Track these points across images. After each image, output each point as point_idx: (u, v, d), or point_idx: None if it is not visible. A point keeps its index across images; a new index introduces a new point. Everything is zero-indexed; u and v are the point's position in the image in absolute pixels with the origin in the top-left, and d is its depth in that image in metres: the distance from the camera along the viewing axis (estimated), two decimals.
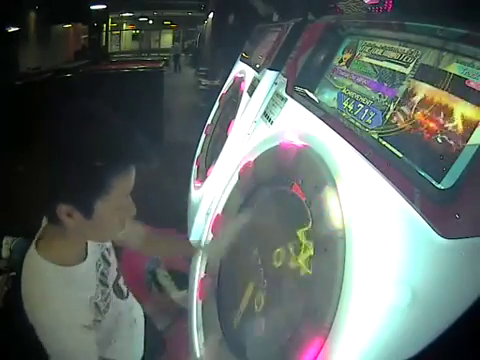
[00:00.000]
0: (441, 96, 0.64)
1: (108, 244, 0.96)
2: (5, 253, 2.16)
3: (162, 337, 1.32)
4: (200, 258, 1.24)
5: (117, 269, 0.97)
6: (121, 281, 0.98)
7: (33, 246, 0.78)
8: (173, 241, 1.30)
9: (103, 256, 0.92)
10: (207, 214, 1.43)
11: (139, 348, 1.06)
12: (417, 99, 0.70)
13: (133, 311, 1.04)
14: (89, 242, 0.87)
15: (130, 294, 1.03)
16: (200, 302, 1.13)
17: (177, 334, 1.32)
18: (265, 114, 1.30)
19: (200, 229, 1.43)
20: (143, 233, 1.08)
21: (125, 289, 1.00)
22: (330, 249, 0.68)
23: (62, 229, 0.74)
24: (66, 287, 0.76)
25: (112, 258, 0.96)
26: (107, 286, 0.90)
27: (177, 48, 14.16)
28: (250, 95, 1.59)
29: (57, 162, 0.67)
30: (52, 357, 0.77)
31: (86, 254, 0.85)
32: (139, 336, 1.07)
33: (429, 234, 0.52)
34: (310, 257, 0.77)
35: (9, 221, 2.19)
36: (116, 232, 0.81)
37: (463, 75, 0.61)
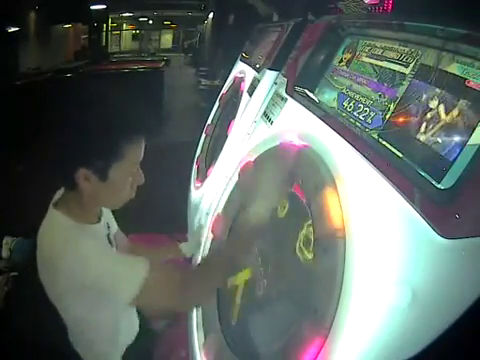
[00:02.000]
0: (441, 96, 0.64)
1: (113, 230, 1.04)
2: (5, 253, 2.16)
3: (155, 332, 1.31)
4: (200, 258, 1.24)
5: None
6: None
7: (51, 207, 0.87)
8: (159, 249, 1.32)
9: (108, 237, 0.98)
10: (207, 214, 1.43)
11: (128, 336, 1.06)
12: (417, 99, 0.70)
13: None
14: (102, 216, 0.95)
15: None
16: None
17: (177, 334, 1.32)
18: (265, 114, 1.30)
19: None
20: (128, 244, 1.16)
21: None
22: (330, 249, 0.68)
23: (78, 194, 0.83)
24: (83, 236, 0.82)
25: (114, 244, 1.01)
26: None
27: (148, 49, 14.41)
28: (250, 95, 1.59)
29: (77, 131, 0.77)
30: (76, 312, 0.85)
31: (99, 219, 0.94)
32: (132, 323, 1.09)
33: (429, 234, 0.52)
34: (310, 257, 0.77)
35: (9, 221, 2.19)
36: (126, 198, 0.89)
37: (463, 75, 0.61)
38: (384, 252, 0.59)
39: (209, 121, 2.34)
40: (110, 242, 0.98)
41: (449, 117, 0.61)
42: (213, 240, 1.21)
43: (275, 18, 2.27)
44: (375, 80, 0.85)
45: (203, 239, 1.21)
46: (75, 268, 0.77)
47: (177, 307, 0.93)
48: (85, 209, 0.88)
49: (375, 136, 0.77)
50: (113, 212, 1.07)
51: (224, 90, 2.26)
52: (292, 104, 1.14)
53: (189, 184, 2.14)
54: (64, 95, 0.83)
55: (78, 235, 0.81)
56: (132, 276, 0.78)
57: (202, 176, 1.98)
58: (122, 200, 0.90)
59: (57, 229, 0.83)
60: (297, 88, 1.15)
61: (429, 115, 0.65)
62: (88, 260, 0.77)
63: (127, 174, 0.84)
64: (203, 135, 2.33)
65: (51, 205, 0.87)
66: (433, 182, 0.57)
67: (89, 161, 0.79)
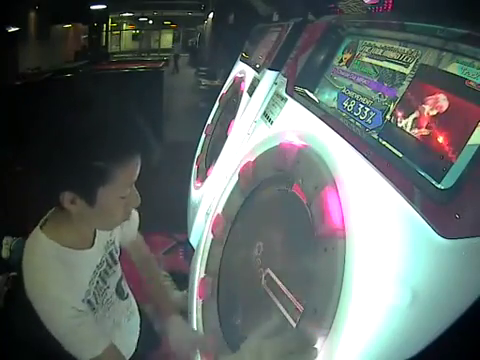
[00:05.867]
0: (441, 96, 0.64)
1: (124, 240, 0.98)
2: (5, 253, 2.16)
3: (158, 334, 1.32)
4: (200, 258, 1.24)
5: (122, 270, 0.97)
6: (123, 282, 0.98)
7: (37, 228, 0.78)
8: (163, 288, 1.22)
9: (111, 254, 0.92)
10: (207, 214, 1.43)
11: (131, 344, 1.05)
12: (417, 99, 0.70)
13: (130, 309, 1.04)
14: (99, 236, 0.87)
15: (130, 295, 1.03)
16: (200, 302, 1.13)
17: None
18: (265, 114, 1.30)
19: (200, 229, 1.43)
20: (146, 253, 1.11)
21: (126, 290, 1.00)
22: (330, 249, 0.68)
23: (68, 214, 0.75)
24: (65, 268, 0.75)
25: (117, 263, 0.95)
26: (106, 283, 0.89)
27: (177, 48, 14.25)
28: (250, 95, 1.59)
29: (59, 150, 0.67)
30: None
31: (92, 244, 0.85)
32: (131, 334, 1.07)
33: (429, 234, 0.52)
34: (310, 257, 0.77)
35: (9, 221, 2.20)
36: (121, 221, 0.82)
37: (463, 75, 0.61)
38: (384, 252, 0.59)
39: (209, 121, 2.34)
40: (113, 259, 0.92)
41: (449, 117, 0.61)
42: (213, 240, 1.21)
43: (275, 18, 2.27)
44: (375, 80, 0.85)
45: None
46: (43, 312, 0.74)
47: None
48: (76, 231, 0.80)
49: (375, 136, 0.77)
50: None
51: (224, 90, 2.26)
52: (292, 104, 1.14)
53: (189, 184, 2.14)
54: (44, 103, 0.74)
55: (56, 267, 0.74)
56: (91, 349, 0.76)
57: (202, 176, 1.98)
58: (115, 224, 0.84)
59: (38, 253, 0.76)
60: (297, 88, 1.15)
61: (429, 115, 0.65)
62: (54, 314, 0.73)
63: (118, 198, 0.75)
64: (203, 135, 2.33)
65: (38, 225, 0.79)
66: (433, 182, 0.57)
67: (72, 184, 0.69)
